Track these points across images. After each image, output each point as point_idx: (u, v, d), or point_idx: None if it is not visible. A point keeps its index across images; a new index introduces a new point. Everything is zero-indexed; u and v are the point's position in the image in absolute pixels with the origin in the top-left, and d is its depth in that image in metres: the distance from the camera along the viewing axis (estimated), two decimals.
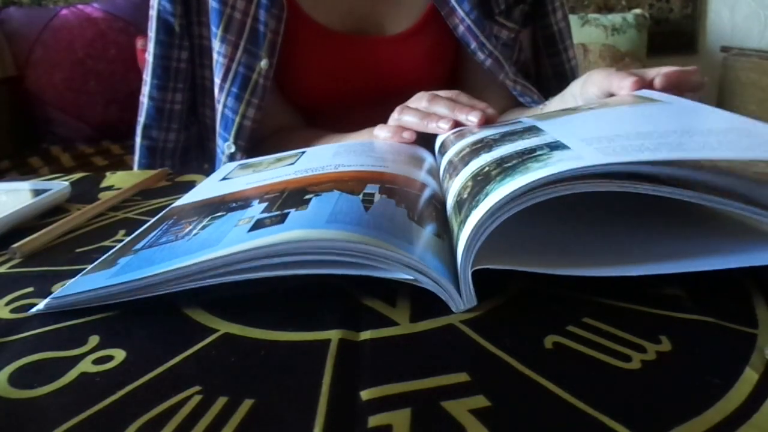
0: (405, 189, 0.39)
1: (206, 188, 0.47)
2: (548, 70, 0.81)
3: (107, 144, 2.15)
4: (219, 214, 0.36)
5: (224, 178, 0.49)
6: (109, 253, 0.36)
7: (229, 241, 0.31)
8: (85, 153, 2.08)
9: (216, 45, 0.69)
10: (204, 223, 0.35)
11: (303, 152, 0.53)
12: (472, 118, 0.51)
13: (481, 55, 0.71)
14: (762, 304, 0.29)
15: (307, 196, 0.36)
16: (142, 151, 0.76)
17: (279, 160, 0.52)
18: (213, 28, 0.69)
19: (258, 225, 0.32)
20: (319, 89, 0.75)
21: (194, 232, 0.34)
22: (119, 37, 2.15)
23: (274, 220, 0.32)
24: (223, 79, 0.69)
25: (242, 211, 0.35)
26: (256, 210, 0.35)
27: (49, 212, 0.48)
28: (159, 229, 0.37)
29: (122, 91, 2.11)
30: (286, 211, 0.33)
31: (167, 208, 0.43)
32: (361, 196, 0.35)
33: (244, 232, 0.31)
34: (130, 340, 0.28)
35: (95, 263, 0.34)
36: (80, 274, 0.33)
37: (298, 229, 0.30)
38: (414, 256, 0.29)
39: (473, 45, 0.71)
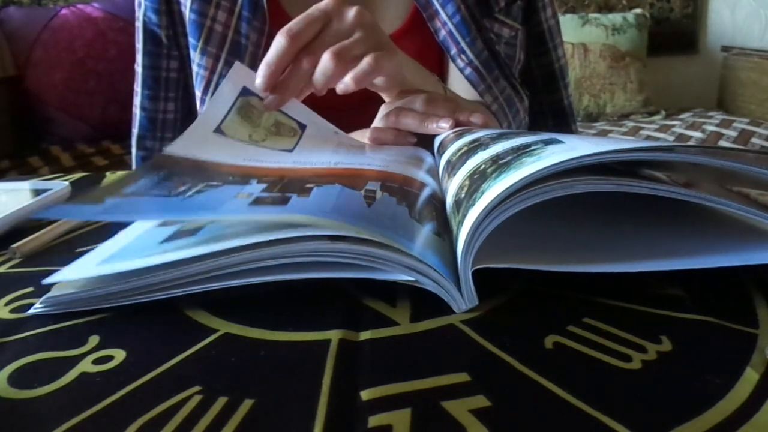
0: (405, 188, 0.39)
1: (200, 138, 0.46)
2: (535, 71, 0.79)
3: (107, 144, 2.15)
4: (215, 183, 0.36)
5: (219, 129, 0.48)
6: (95, 189, 0.34)
7: (229, 209, 0.30)
8: (85, 153, 2.08)
9: (196, 57, 0.68)
10: (199, 187, 0.35)
11: (304, 130, 0.52)
12: (474, 120, 0.51)
13: (460, 63, 0.69)
14: (763, 304, 0.29)
15: (308, 185, 0.35)
16: (139, 161, 0.76)
17: (277, 130, 0.51)
18: (192, 40, 0.68)
19: (258, 201, 0.32)
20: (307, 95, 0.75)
21: (189, 193, 0.34)
22: (119, 37, 2.16)
23: (276, 199, 0.32)
24: (204, 92, 0.69)
25: (240, 187, 0.35)
26: (255, 189, 0.35)
27: None
28: (149, 177, 0.36)
29: (122, 91, 2.11)
30: (287, 194, 0.33)
31: (160, 153, 0.42)
32: (362, 191, 0.35)
33: (245, 204, 0.31)
34: (130, 340, 0.28)
35: (79, 195, 0.33)
36: (67, 201, 0.32)
37: (302, 213, 0.30)
38: (416, 255, 0.29)
39: (453, 51, 0.69)
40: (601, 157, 0.28)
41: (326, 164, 0.43)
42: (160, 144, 0.75)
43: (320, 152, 0.48)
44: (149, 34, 0.72)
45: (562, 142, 0.32)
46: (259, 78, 0.49)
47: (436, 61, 0.76)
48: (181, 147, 0.44)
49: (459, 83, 0.73)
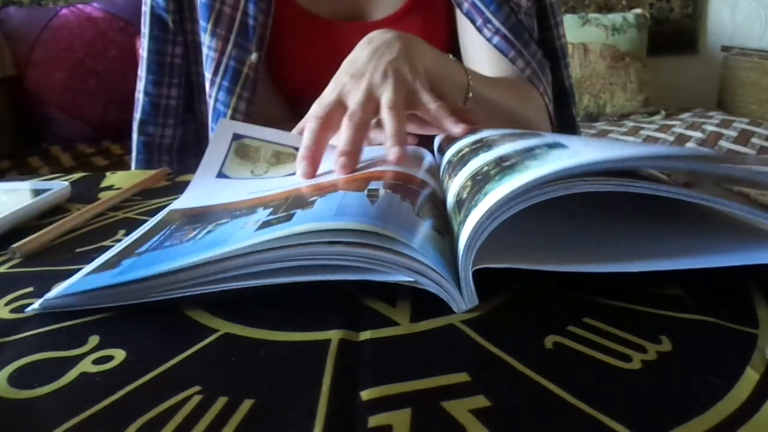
0: (408, 185, 0.39)
1: (204, 186, 0.47)
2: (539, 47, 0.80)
3: (107, 144, 2.16)
4: (223, 221, 0.36)
5: (221, 173, 0.49)
6: (110, 255, 0.35)
7: (237, 239, 0.31)
8: (85, 153, 2.08)
9: (206, 39, 0.69)
10: (209, 228, 0.35)
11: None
12: (471, 118, 0.51)
13: (487, 32, 0.69)
14: (763, 304, 0.29)
15: (312, 198, 0.36)
16: (139, 146, 0.76)
17: (277, 159, 0.51)
18: (202, 23, 0.69)
19: (265, 225, 0.32)
20: (307, 78, 0.74)
21: (199, 236, 0.34)
22: (119, 37, 2.16)
23: (281, 219, 0.32)
24: (214, 73, 0.69)
25: (247, 217, 0.35)
26: (262, 215, 0.35)
27: (49, 212, 0.48)
28: (162, 233, 0.37)
29: (122, 91, 2.11)
30: (292, 212, 0.33)
31: (167, 210, 0.43)
32: (365, 192, 0.35)
33: (252, 231, 0.31)
34: (130, 340, 0.28)
35: (96, 265, 0.34)
36: (80, 274, 0.33)
37: (307, 222, 0.30)
38: (416, 247, 0.29)
39: (479, 21, 0.69)
40: (606, 165, 0.28)
41: (329, 176, 0.43)
42: (162, 129, 0.76)
43: (322, 165, 0.48)
44: (156, 18, 0.72)
45: (566, 146, 0.32)
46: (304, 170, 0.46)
47: (442, 38, 0.76)
48: (188, 200, 0.45)
49: (481, 55, 0.72)
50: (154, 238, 0.36)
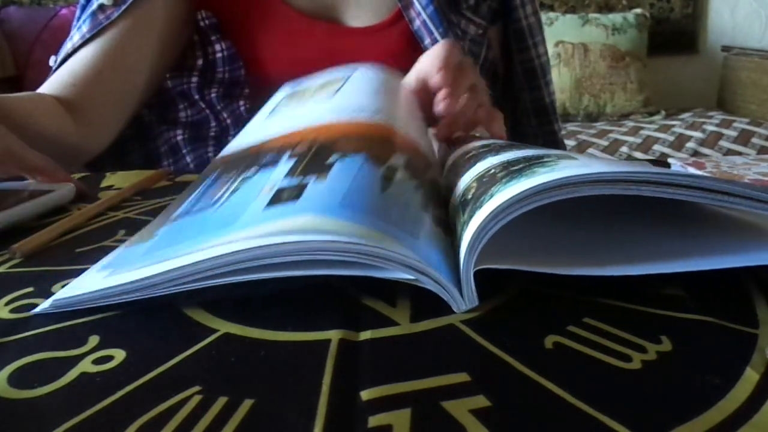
0: (427, 171, 0.39)
1: (254, 127, 0.49)
2: (517, 67, 0.80)
3: None
4: (250, 172, 0.38)
5: (273, 111, 0.51)
6: (149, 224, 0.38)
7: (244, 222, 0.31)
8: None
9: None
10: (235, 185, 0.37)
11: (348, 78, 0.53)
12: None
13: None
14: (763, 305, 0.29)
15: (331, 159, 0.36)
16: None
17: (322, 87, 0.52)
18: None
19: (276, 198, 0.33)
20: (278, 72, 0.73)
21: (223, 198, 0.36)
22: None
23: (291, 194, 0.33)
24: None
25: (270, 171, 0.37)
26: (281, 172, 0.36)
27: (50, 212, 0.48)
28: (204, 184, 0.39)
29: None
30: (305, 181, 0.34)
31: (215, 158, 0.46)
32: (384, 169, 0.35)
33: (260, 210, 0.32)
34: (130, 340, 0.28)
35: (137, 234, 0.36)
36: (123, 245, 0.35)
37: (310, 213, 0.30)
38: (417, 254, 0.28)
39: (427, 41, 0.70)
40: (618, 176, 0.28)
41: (364, 115, 0.44)
42: None
43: (360, 96, 0.49)
44: None
45: (576, 158, 0.32)
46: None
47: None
48: (235, 142, 0.47)
49: None
50: (195, 192, 0.39)
